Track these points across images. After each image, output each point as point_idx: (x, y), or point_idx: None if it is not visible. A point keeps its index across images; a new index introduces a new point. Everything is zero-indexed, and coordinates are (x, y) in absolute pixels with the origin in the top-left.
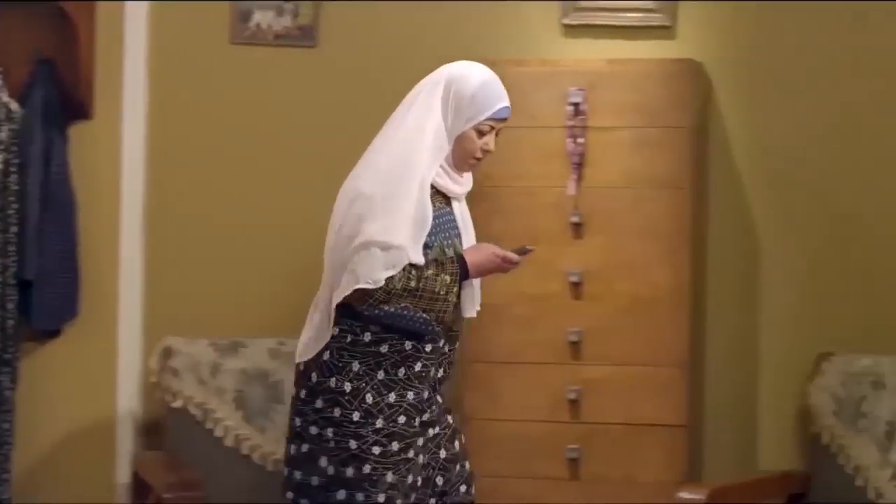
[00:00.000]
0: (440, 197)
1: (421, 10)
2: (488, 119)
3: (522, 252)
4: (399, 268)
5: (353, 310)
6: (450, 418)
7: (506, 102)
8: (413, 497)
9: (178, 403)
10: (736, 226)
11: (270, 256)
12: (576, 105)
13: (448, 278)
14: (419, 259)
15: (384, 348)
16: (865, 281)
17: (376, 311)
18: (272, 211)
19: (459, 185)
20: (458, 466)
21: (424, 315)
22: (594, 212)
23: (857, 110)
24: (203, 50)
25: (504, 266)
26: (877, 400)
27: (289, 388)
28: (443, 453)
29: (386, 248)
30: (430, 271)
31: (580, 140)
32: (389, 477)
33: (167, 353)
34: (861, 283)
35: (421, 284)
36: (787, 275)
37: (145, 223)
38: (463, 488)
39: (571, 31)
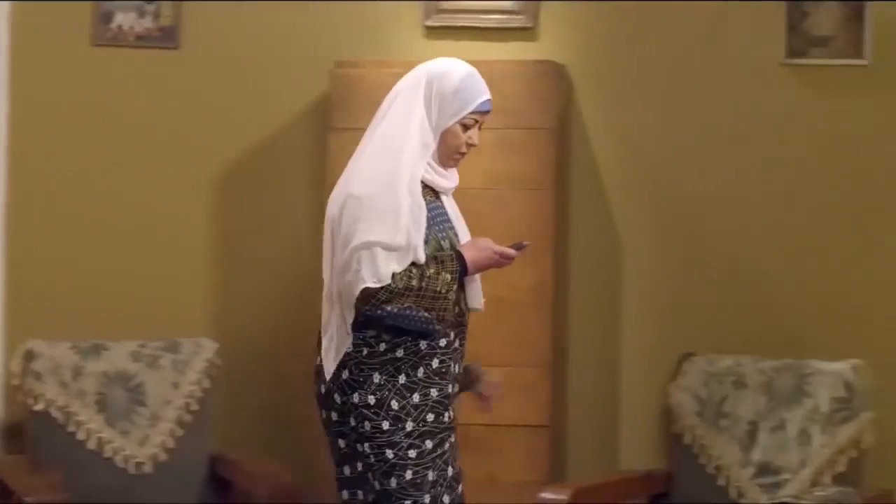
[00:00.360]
0: (429, 191)
1: (283, 11)
2: (472, 113)
3: (519, 247)
4: (403, 266)
5: (363, 321)
6: (454, 436)
7: (488, 95)
8: (459, 487)
9: (39, 406)
10: (598, 227)
11: (132, 258)
12: None
13: (448, 276)
14: (422, 257)
15: (400, 353)
16: (726, 281)
17: (379, 312)
18: (134, 212)
19: (447, 179)
20: (460, 486)
21: (426, 314)
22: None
23: (718, 111)
24: (65, 51)
25: (501, 261)
26: (738, 399)
27: (150, 390)
28: (450, 471)
29: (388, 247)
30: (431, 270)
31: None
32: (431, 476)
33: (29, 356)
34: (722, 284)
35: (423, 283)
36: (648, 275)
37: (6, 224)
38: None
39: (433, 32)
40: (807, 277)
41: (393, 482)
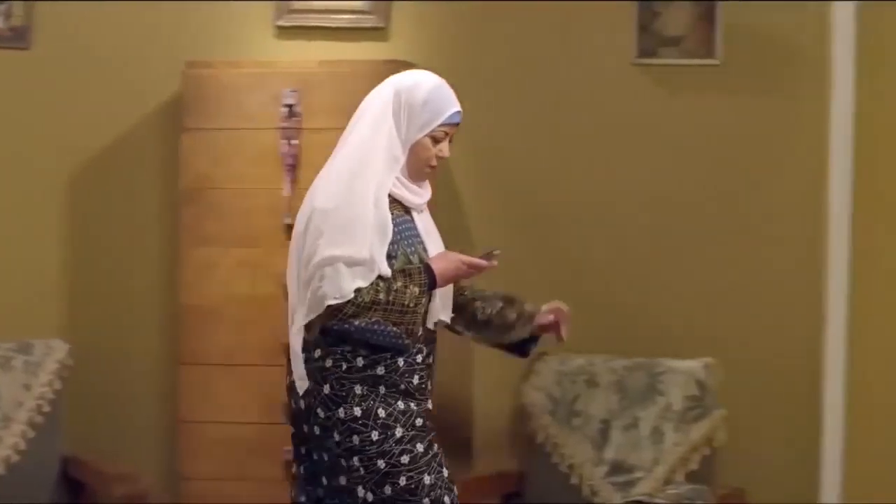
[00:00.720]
0: (398, 206)
1: (135, 11)
2: (442, 125)
3: (489, 256)
4: (368, 280)
5: (338, 335)
6: None
7: (457, 107)
8: (456, 489)
9: None
10: (450, 226)
11: None
12: (289, 107)
13: (416, 290)
14: (386, 271)
15: (380, 370)
16: (578, 280)
17: (346, 326)
18: None
19: (417, 195)
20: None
21: (394, 328)
22: None
23: (569, 111)
24: None
25: (469, 272)
26: (590, 399)
27: (2, 392)
28: (445, 472)
29: (351, 262)
30: (398, 283)
31: (294, 142)
32: (427, 479)
33: None
34: (574, 283)
35: (391, 297)
36: (500, 274)
37: None
38: None
39: (285, 32)
40: (658, 276)
41: (388, 489)
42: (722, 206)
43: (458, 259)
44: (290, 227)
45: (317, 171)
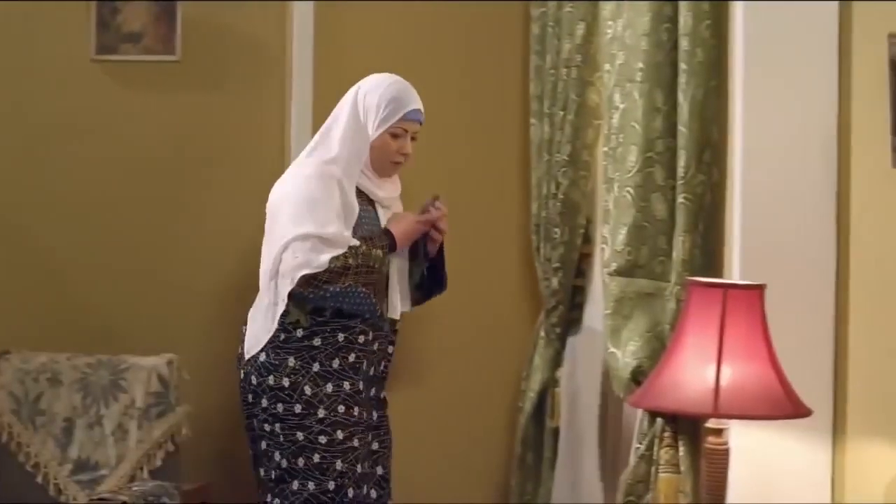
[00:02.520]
0: (364, 198)
1: None
2: (400, 121)
3: (433, 204)
4: (339, 251)
5: (296, 304)
6: (390, 438)
7: (417, 105)
8: (365, 488)
9: None
10: None
11: None
12: None
13: (380, 252)
14: (353, 242)
15: (317, 341)
16: (39, 278)
17: (321, 292)
18: None
19: (382, 189)
20: (388, 486)
21: (364, 290)
22: None
23: (26, 109)
24: None
25: (425, 228)
26: (54, 397)
27: None
28: (379, 469)
29: (322, 237)
30: (363, 248)
31: None
32: (338, 465)
33: None
34: (35, 280)
35: (359, 260)
36: None
37: None
38: None
39: None
40: (119, 273)
41: (301, 461)
42: (184, 202)
43: (412, 219)
44: None
45: None
